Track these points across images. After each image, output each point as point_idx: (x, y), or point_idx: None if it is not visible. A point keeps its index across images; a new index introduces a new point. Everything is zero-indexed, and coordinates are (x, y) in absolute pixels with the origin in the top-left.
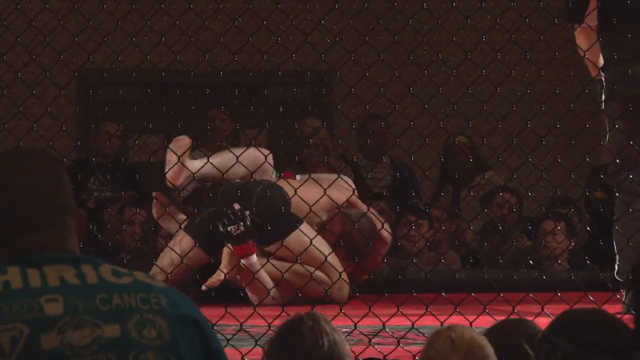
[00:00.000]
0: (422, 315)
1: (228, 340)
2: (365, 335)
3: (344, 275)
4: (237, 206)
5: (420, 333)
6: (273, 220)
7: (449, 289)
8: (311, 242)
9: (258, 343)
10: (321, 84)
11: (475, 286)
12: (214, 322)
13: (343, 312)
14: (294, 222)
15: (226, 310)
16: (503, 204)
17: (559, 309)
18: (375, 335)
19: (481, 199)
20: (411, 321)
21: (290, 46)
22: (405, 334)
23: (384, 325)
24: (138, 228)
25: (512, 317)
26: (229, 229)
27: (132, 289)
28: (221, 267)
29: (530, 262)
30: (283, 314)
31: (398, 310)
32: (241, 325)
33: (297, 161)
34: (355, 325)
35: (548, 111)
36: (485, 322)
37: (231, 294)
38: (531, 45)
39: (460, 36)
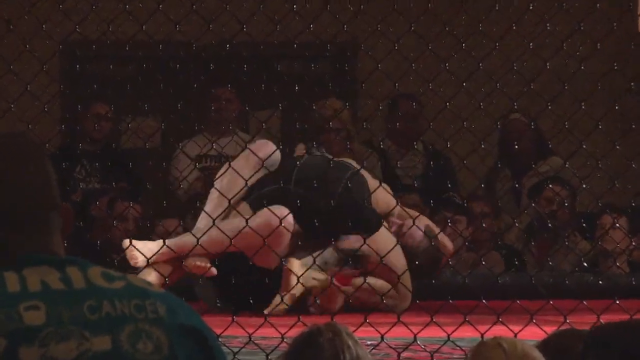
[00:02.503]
0: (459, 326)
1: (235, 353)
2: (393, 348)
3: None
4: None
5: (457, 346)
6: (357, 211)
7: (490, 296)
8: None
9: (269, 357)
10: (343, 59)
11: (521, 292)
12: (218, 333)
13: (368, 322)
14: (378, 219)
15: (233, 319)
16: (553, 197)
17: (616, 318)
18: (405, 349)
19: (528, 191)
20: (446, 332)
21: (307, 15)
22: (440, 347)
23: (415, 337)
24: (131, 224)
25: (564, 327)
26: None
27: (125, 294)
28: (287, 290)
29: (585, 264)
30: (299, 323)
31: (431, 319)
32: (250, 337)
33: (315, 148)
34: (382, 337)
35: (605, 90)
36: (532, 333)
37: (238, 300)
38: (585, 14)
39: (503, 4)
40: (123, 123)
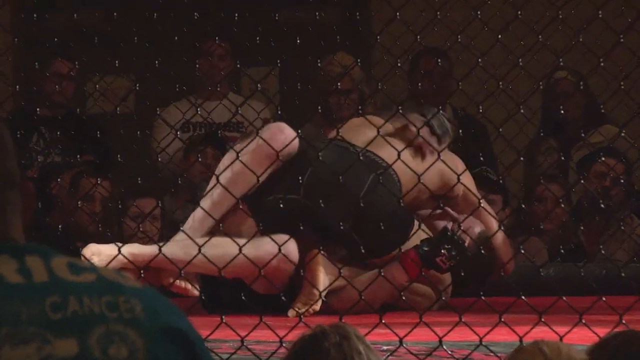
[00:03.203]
0: (493, 327)
1: None
2: (414, 354)
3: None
4: (450, 226)
5: (491, 352)
6: (384, 222)
7: (530, 291)
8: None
9: None
10: (354, 6)
11: (568, 287)
12: (206, 336)
13: (383, 322)
14: (407, 226)
15: (222, 319)
16: (606, 172)
17: None
18: (429, 354)
19: (577, 165)
20: (478, 335)
21: None
22: (471, 353)
23: (440, 341)
24: (98, 205)
25: (619, 329)
26: (443, 259)
27: (95, 289)
28: (318, 286)
29: None
30: (300, 325)
31: (460, 320)
32: (242, 341)
33: (321, 113)
34: (400, 340)
35: None
36: (581, 336)
37: (230, 299)
38: None
39: None
40: (89, 83)
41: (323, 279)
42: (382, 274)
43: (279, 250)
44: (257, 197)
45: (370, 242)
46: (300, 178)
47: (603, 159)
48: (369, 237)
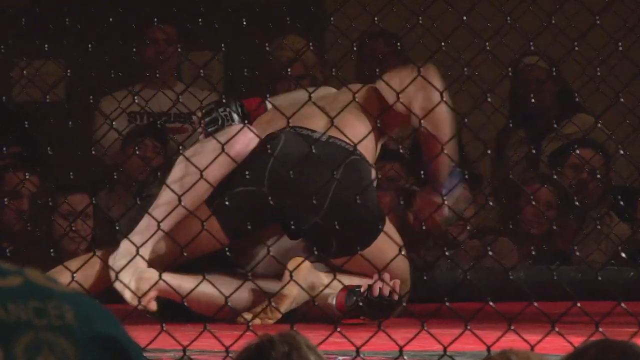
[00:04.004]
0: (458, 336)
1: None
2: None
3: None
4: None
5: None
6: (355, 215)
7: (499, 296)
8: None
9: None
10: None
11: (540, 291)
12: (144, 346)
13: (339, 331)
14: (377, 220)
15: (162, 327)
16: (581, 165)
17: None
18: None
19: (549, 158)
20: (443, 345)
21: None
22: None
23: (400, 351)
24: (26, 202)
25: (596, 337)
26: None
27: (22, 294)
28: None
29: (623, 254)
30: (248, 333)
31: (423, 328)
32: (184, 350)
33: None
34: (357, 350)
35: None
36: (555, 345)
37: (172, 308)
38: None
39: None
40: (15, 69)
41: (297, 292)
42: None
43: None
44: (216, 193)
45: (341, 237)
46: (262, 169)
47: (578, 151)
48: (340, 232)
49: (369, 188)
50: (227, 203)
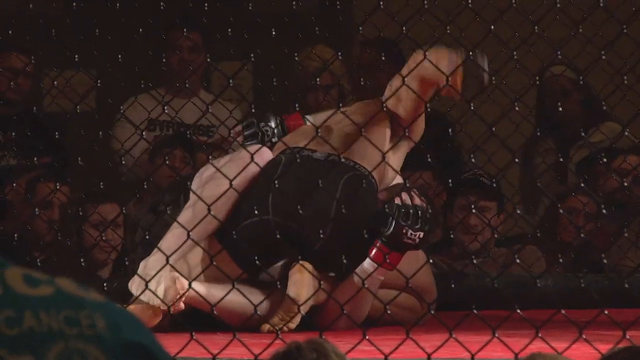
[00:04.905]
0: (486, 344)
1: None
2: None
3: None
4: (417, 201)
5: None
6: (360, 229)
7: (527, 303)
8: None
9: None
10: None
11: (568, 299)
12: (173, 354)
13: (367, 339)
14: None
15: (192, 336)
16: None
17: None
18: None
19: (577, 167)
20: (470, 352)
21: None
22: None
23: (428, 358)
24: (57, 212)
25: (623, 344)
26: (409, 235)
27: (53, 304)
28: (299, 300)
29: None
30: (277, 342)
31: (450, 336)
32: (214, 359)
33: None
34: (385, 357)
35: None
36: (582, 352)
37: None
38: None
39: None
40: (46, 79)
41: (306, 293)
42: (366, 285)
43: None
44: (226, 231)
45: (350, 253)
46: (265, 198)
47: (605, 160)
48: (349, 247)
49: (372, 201)
50: (235, 237)
